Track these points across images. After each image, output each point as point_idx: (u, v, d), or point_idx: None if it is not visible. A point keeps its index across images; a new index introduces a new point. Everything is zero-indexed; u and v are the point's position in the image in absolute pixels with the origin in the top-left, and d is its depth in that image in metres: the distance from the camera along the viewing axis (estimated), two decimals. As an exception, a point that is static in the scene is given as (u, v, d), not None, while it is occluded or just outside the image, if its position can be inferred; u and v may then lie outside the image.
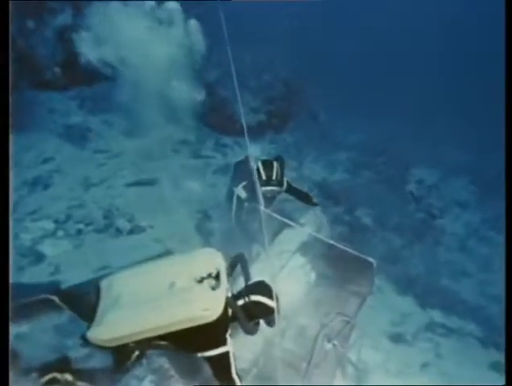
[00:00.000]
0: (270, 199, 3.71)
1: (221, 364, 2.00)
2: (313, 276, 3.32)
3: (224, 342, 2.00)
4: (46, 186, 4.42)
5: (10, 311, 1.62)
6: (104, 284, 2.10)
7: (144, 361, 1.96)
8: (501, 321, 4.90)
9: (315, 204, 3.84)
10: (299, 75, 7.80)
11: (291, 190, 3.78)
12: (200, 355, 1.99)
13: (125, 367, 2.06)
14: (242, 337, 2.37)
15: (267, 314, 2.15)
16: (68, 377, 2.06)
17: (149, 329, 1.88)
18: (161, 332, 1.89)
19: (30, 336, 2.39)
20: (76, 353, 2.37)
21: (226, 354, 1.99)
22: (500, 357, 4.18)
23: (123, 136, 5.85)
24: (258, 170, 3.67)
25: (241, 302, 2.10)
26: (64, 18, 6.08)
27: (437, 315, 4.53)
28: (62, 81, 6.16)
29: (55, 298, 2.21)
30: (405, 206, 6.53)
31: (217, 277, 2.08)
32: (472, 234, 7.17)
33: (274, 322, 2.19)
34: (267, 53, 7.22)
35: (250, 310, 2.10)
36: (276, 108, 7.36)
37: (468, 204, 8.14)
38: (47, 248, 3.46)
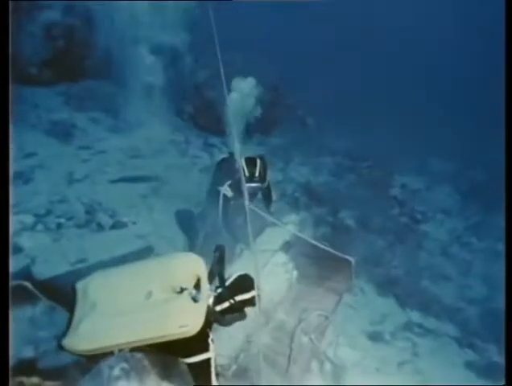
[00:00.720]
0: (251, 196, 3.75)
1: (201, 370, 1.96)
2: (295, 274, 3.33)
3: (206, 349, 1.95)
4: (27, 181, 4.36)
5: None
6: (79, 286, 2.02)
7: (117, 350, 1.94)
8: (477, 323, 5.07)
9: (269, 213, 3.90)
10: (287, 79, 7.92)
11: (266, 189, 3.86)
12: (181, 360, 1.96)
13: (97, 360, 2.04)
14: (222, 334, 2.37)
15: (252, 302, 2.17)
16: (35, 380, 2.03)
17: (125, 342, 1.83)
18: (138, 345, 1.84)
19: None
20: (49, 346, 2.34)
21: (207, 360, 1.95)
22: (475, 357, 4.29)
23: (109, 133, 5.82)
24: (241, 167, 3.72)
25: (226, 305, 2.07)
26: (51, 14, 6.07)
27: (415, 316, 4.61)
28: (48, 77, 6.11)
29: (28, 284, 2.16)
30: (388, 209, 6.65)
31: (198, 286, 1.99)
32: (455, 240, 7.34)
33: (255, 304, 2.19)
34: (256, 56, 7.31)
35: (237, 308, 2.10)
36: (264, 111, 7.42)
37: (451, 211, 8.35)
38: (24, 240, 3.40)
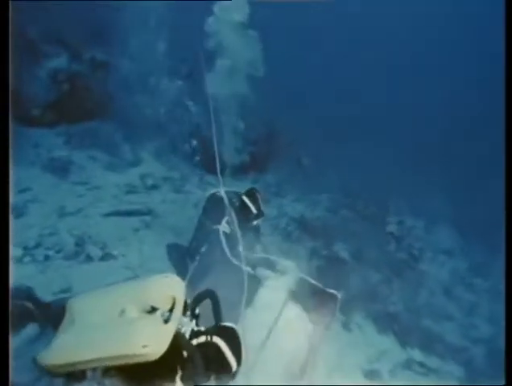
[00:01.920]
0: (246, 228, 3.73)
1: None
2: (310, 327, 3.11)
3: None
4: (19, 215, 4.38)
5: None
6: (68, 304, 2.03)
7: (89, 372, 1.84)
8: (483, 363, 4.81)
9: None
10: (281, 117, 8.24)
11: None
12: None
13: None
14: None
15: (221, 367, 1.94)
16: None
17: (91, 360, 1.76)
18: (105, 364, 1.77)
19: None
20: (26, 376, 2.25)
21: None
22: (482, 398, 4.02)
23: (106, 170, 5.95)
24: (244, 203, 3.76)
25: (202, 340, 1.95)
26: (59, 61, 6.49)
27: (416, 354, 4.39)
28: (50, 118, 6.38)
29: (30, 305, 2.10)
30: (385, 245, 6.57)
31: (173, 307, 1.92)
32: (458, 281, 7.19)
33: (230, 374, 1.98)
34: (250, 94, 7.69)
35: (207, 354, 1.91)
36: (259, 149, 7.66)
37: (452, 252, 8.29)
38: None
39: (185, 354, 1.89)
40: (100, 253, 3.94)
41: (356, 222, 6.37)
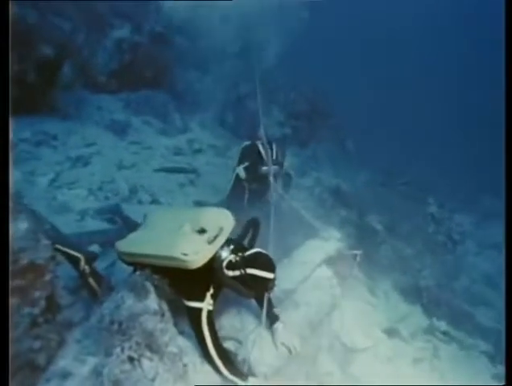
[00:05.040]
0: (264, 178, 3.97)
1: (194, 318, 2.16)
2: (338, 291, 3.30)
3: (201, 299, 2.16)
4: (85, 164, 5.01)
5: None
6: (146, 214, 2.59)
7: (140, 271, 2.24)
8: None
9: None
10: (325, 96, 8.27)
11: (286, 176, 4.09)
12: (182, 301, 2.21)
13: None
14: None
15: (265, 283, 2.22)
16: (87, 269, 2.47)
17: (146, 254, 2.20)
18: (155, 262, 2.19)
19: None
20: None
21: (199, 310, 2.14)
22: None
23: (158, 134, 6.49)
24: (259, 152, 4.08)
25: (236, 273, 2.20)
26: (122, 32, 7.10)
27: (442, 325, 4.38)
28: (114, 86, 7.03)
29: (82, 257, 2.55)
30: (423, 225, 6.46)
31: (218, 235, 2.28)
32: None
33: (272, 289, 2.32)
34: (296, 71, 7.81)
35: (246, 282, 2.19)
36: (301, 124, 7.80)
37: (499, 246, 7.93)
38: (77, 204, 3.95)
39: (220, 275, 2.23)
40: (149, 199, 4.45)
41: (394, 198, 6.34)
